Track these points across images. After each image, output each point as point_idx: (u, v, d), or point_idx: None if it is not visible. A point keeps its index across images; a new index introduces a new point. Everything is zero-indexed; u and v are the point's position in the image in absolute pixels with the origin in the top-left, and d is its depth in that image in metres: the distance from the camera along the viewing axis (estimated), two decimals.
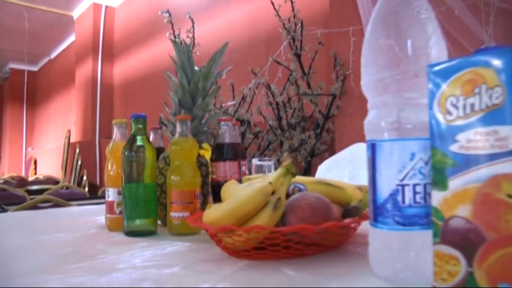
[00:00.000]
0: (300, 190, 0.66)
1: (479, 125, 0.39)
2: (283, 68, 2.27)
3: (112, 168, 0.95)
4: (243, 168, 0.94)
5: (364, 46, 0.51)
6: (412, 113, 0.46)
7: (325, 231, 0.55)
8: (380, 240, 0.48)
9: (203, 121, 0.94)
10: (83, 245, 0.76)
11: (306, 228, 0.54)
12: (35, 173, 6.07)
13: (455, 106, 0.41)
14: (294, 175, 0.61)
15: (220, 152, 0.88)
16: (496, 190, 0.38)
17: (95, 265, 0.59)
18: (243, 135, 2.31)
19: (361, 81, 0.51)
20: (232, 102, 2.40)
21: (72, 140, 4.95)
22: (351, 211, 0.60)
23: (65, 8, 5.24)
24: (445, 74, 0.42)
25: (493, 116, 0.38)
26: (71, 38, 5.70)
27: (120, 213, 0.89)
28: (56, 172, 5.19)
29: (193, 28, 2.24)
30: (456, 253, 0.41)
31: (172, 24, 2.22)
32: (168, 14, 2.20)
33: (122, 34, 4.82)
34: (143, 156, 0.85)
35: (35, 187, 3.72)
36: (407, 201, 0.46)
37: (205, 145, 0.97)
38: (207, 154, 0.95)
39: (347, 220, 0.57)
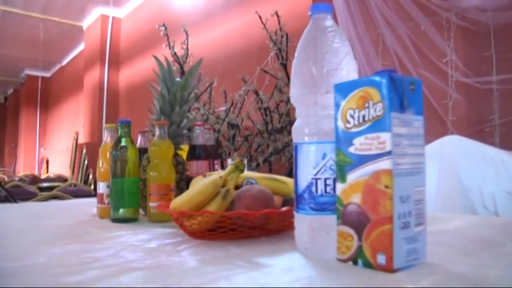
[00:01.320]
0: (251, 184, 0.75)
1: (368, 131, 0.48)
2: (271, 76, 2.35)
3: (102, 165, 1.04)
4: (216, 166, 1.03)
5: (292, 65, 0.59)
6: (325, 122, 0.54)
7: (264, 216, 0.63)
8: (300, 223, 0.57)
9: (181, 126, 1.02)
10: (75, 228, 0.85)
11: (247, 214, 0.62)
12: (47, 172, 6.17)
13: (352, 117, 0.49)
14: (241, 171, 0.69)
15: (193, 152, 0.97)
16: (377, 182, 0.47)
17: (82, 241, 0.68)
18: (233, 138, 2.40)
19: (290, 94, 0.59)
20: (224, 108, 2.48)
21: (80, 141, 5.04)
22: (288, 201, 0.68)
23: (76, 19, 5.34)
24: (345, 92, 0.50)
25: (376, 125, 0.47)
26: (81, 47, 5.80)
27: (109, 203, 0.97)
28: (66, 171, 5.28)
29: (187, 40, 2.33)
30: (351, 231, 0.49)
31: (168, 37, 2.31)
32: (164, 28, 2.29)
33: (127, 43, 4.91)
34: (126, 155, 0.93)
35: (45, 184, 3.81)
36: (319, 192, 0.54)
37: (183, 146, 1.05)
38: (185, 154, 1.04)
39: (283, 208, 0.65)
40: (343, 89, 0.50)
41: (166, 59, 1.03)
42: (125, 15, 5.04)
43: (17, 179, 4.16)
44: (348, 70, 0.55)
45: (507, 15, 1.69)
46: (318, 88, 0.55)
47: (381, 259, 0.46)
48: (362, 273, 0.46)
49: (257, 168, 2.26)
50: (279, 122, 2.33)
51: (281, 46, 2.30)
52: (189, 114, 1.02)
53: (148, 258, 0.56)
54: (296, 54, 0.59)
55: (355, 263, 0.49)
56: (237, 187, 0.72)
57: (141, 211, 0.98)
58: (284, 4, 2.55)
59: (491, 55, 1.73)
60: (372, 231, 0.47)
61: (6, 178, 4.32)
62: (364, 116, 0.48)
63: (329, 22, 0.58)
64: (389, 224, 0.45)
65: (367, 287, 0.42)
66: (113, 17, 5.04)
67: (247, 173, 0.77)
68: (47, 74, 7.42)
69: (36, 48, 6.02)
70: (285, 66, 2.31)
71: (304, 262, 0.52)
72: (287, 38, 2.28)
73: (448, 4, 1.81)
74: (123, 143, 0.95)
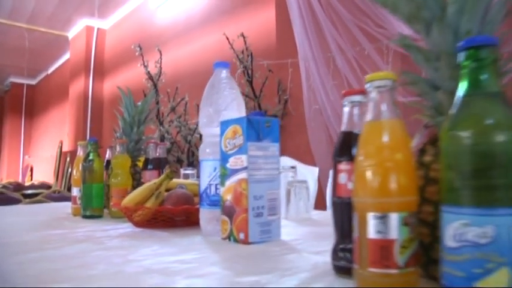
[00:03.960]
0: (182, 188, 1.04)
1: (236, 154, 0.78)
2: None
3: (76, 173, 1.34)
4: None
5: (201, 101, 0.89)
6: (216, 146, 0.84)
7: (185, 211, 0.93)
8: (202, 214, 0.87)
9: (138, 143, 1.32)
10: (53, 222, 1.14)
11: (172, 209, 0.92)
12: (31, 179, 6.42)
13: (229, 143, 0.80)
14: (171, 179, 0.99)
15: (146, 164, 1.27)
16: (239, 186, 0.76)
17: (58, 230, 0.98)
18: None
19: (199, 123, 0.90)
20: (197, 121, 2.78)
21: (65, 149, 5.31)
22: None
23: (61, 29, 5.63)
24: (225, 127, 0.81)
25: (240, 150, 0.77)
26: (66, 56, 6.08)
27: (80, 204, 1.27)
28: (50, 178, 5.54)
29: (161, 59, 2.63)
30: (227, 219, 0.79)
31: (143, 57, 2.61)
32: (139, 48, 2.59)
33: (112, 54, 5.21)
34: (93, 166, 1.23)
35: (29, 191, 4.06)
36: (212, 193, 0.84)
37: (141, 158, 1.35)
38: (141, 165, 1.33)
39: (197, 206, 0.95)
40: (224, 125, 0.81)
41: (128, 89, 1.34)
42: (110, 26, 5.34)
43: (0, 186, 4.40)
44: (233, 110, 0.86)
45: None
46: (212, 122, 0.85)
47: (242, 236, 0.76)
48: (233, 245, 0.76)
49: None
50: None
51: (247, 64, 2.61)
52: (145, 136, 1.31)
53: (100, 238, 0.86)
54: (203, 96, 0.89)
55: (229, 239, 0.78)
56: (169, 190, 1.02)
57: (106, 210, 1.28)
58: (251, 25, 2.87)
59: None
60: (237, 218, 0.77)
61: None
62: (234, 144, 0.78)
63: (224, 75, 0.89)
64: (245, 213, 0.75)
65: (234, 252, 0.72)
66: (98, 28, 5.34)
67: (180, 180, 1.08)
68: (33, 82, 7.69)
69: (22, 57, 6.29)
70: (251, 83, 2.62)
71: (202, 240, 0.82)
72: (252, 57, 2.59)
73: (387, 32, 2.13)
74: (91, 157, 1.25)
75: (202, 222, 0.87)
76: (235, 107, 0.86)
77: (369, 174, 0.40)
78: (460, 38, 0.43)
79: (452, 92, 0.37)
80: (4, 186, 4.46)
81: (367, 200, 0.40)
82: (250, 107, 2.61)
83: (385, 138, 0.41)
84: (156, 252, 0.69)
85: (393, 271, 0.39)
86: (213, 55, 3.26)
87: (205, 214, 0.85)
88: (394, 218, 0.39)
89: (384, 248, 0.39)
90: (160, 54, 2.67)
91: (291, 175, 1.10)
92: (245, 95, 2.63)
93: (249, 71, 2.62)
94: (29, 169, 6.71)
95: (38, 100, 7.55)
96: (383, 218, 0.39)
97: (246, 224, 0.74)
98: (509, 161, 0.32)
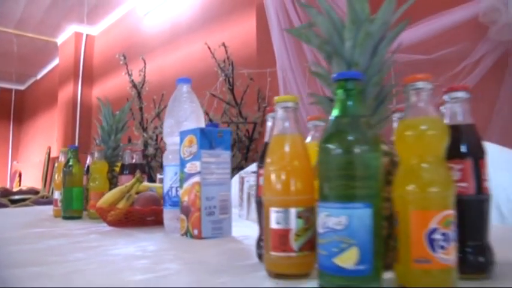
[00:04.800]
0: (152, 191, 1.14)
1: (192, 160, 0.88)
2: (220, 99, 2.77)
3: (57, 178, 1.43)
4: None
5: (166, 112, 0.99)
6: (177, 153, 0.95)
7: (152, 212, 1.03)
8: (165, 214, 0.97)
9: (116, 150, 1.42)
10: (35, 222, 1.24)
11: (140, 210, 1.02)
12: (19, 185, 6.46)
13: (187, 151, 0.90)
14: (141, 182, 1.09)
15: (122, 169, 1.36)
16: (194, 188, 0.86)
17: (38, 228, 1.07)
18: None
19: (163, 133, 1.00)
20: None
21: (54, 155, 5.38)
22: None
23: (50, 35, 5.71)
24: (183, 136, 0.91)
25: (194, 157, 0.87)
26: (55, 62, 6.16)
27: (61, 206, 1.36)
28: (38, 184, 5.59)
29: (145, 68, 2.73)
30: (184, 217, 0.89)
31: (127, 65, 2.71)
32: (123, 58, 2.69)
33: (101, 60, 5.30)
34: (72, 171, 1.33)
35: (17, 197, 4.13)
36: (173, 194, 0.95)
37: (119, 164, 1.45)
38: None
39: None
40: (183, 135, 0.91)
41: (107, 100, 1.44)
42: (99, 33, 5.43)
43: None
44: (193, 121, 0.96)
45: (402, 57, 2.14)
46: (173, 132, 0.95)
47: (196, 232, 0.86)
48: (189, 240, 0.86)
49: None
50: None
51: (228, 73, 2.72)
52: (121, 144, 1.41)
53: (75, 235, 0.95)
54: (167, 108, 0.99)
55: (186, 235, 0.89)
56: (139, 192, 1.12)
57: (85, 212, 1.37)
58: (233, 35, 2.99)
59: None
60: (192, 216, 0.87)
61: None
62: (190, 152, 0.89)
63: (185, 89, 0.99)
64: (199, 212, 0.85)
65: (187, 245, 0.82)
66: (86, 35, 5.43)
67: (150, 184, 1.18)
68: (21, 87, 7.74)
69: (10, 62, 6.35)
70: (232, 91, 2.73)
71: (163, 236, 0.92)
72: (233, 66, 2.70)
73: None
74: (70, 163, 1.34)
75: (165, 220, 0.97)
76: (194, 119, 0.97)
77: (272, 176, 0.51)
78: (352, 68, 0.54)
79: None
80: None
81: (271, 198, 0.51)
82: (232, 114, 2.71)
83: (287, 149, 0.52)
84: (120, 245, 0.79)
85: (289, 254, 0.49)
86: (198, 63, 3.36)
87: (167, 214, 0.96)
88: (290, 212, 0.49)
89: (282, 236, 0.50)
90: (144, 63, 2.77)
91: (252, 179, 1.20)
92: (226, 103, 2.74)
93: (230, 80, 2.72)
94: (17, 175, 6.75)
95: (27, 105, 7.60)
96: (281, 212, 0.50)
97: (199, 222, 0.84)
98: (362, 168, 0.42)
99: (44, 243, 0.85)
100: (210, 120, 2.75)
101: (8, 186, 6.50)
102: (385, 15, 0.55)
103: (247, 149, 2.65)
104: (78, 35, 5.43)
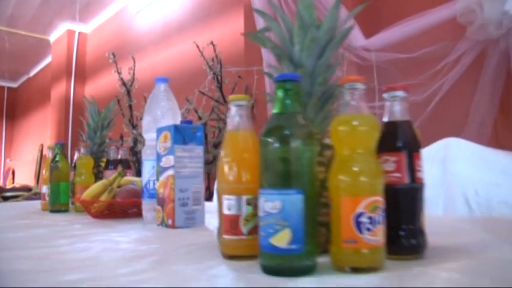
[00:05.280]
0: (133, 185, 1.20)
1: (167, 155, 0.93)
2: (209, 96, 2.82)
3: (45, 173, 1.49)
4: (128, 174, 1.47)
5: (144, 110, 1.05)
6: (154, 148, 1.00)
7: (132, 204, 1.09)
8: (144, 205, 1.02)
9: (101, 146, 1.47)
10: (23, 215, 1.29)
11: (121, 202, 1.08)
12: (13, 182, 6.49)
13: (162, 146, 0.95)
14: (122, 176, 1.15)
15: (107, 164, 1.42)
16: (169, 181, 0.91)
17: (25, 220, 1.12)
18: None
19: (142, 129, 1.05)
20: None
21: (46, 152, 5.40)
22: None
23: (43, 32, 5.74)
24: (160, 132, 0.96)
25: (169, 152, 0.93)
26: (48, 59, 6.18)
27: (48, 200, 1.41)
28: (32, 181, 5.63)
29: (134, 66, 2.78)
30: (160, 208, 0.95)
31: (116, 63, 2.76)
32: (112, 56, 2.74)
33: (93, 57, 5.33)
34: (58, 166, 1.38)
35: (9, 193, 4.17)
36: (151, 187, 1.00)
37: (105, 159, 1.50)
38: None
39: None
40: (159, 131, 0.97)
41: (93, 99, 1.49)
42: (91, 30, 5.46)
43: None
44: (169, 118, 1.02)
45: (385, 55, 2.21)
46: (151, 129, 1.01)
47: (170, 221, 0.91)
48: (164, 229, 0.91)
49: None
50: (217, 137, 2.79)
51: (216, 71, 2.77)
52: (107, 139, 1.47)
53: (59, 225, 1.01)
54: (146, 106, 1.05)
55: (162, 225, 0.94)
56: (121, 186, 1.17)
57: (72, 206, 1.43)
58: (222, 34, 3.04)
59: (374, 86, 2.23)
60: (166, 207, 0.93)
61: None
62: (165, 146, 0.94)
63: (163, 88, 1.05)
64: (172, 203, 0.91)
65: (161, 233, 0.88)
66: (79, 32, 5.46)
67: (132, 178, 1.23)
68: (14, 85, 7.75)
69: (2, 59, 6.37)
70: (220, 88, 2.78)
71: (141, 226, 0.98)
72: (221, 64, 2.75)
73: (344, 43, 2.31)
74: (57, 158, 1.40)
75: (143, 212, 1.03)
76: (170, 116, 1.02)
77: (225, 168, 0.57)
78: (298, 69, 0.60)
79: None
80: None
81: (223, 186, 0.56)
82: (220, 111, 2.76)
83: (238, 143, 0.57)
84: (100, 233, 0.85)
85: (240, 237, 0.55)
86: (188, 61, 3.41)
87: (146, 205, 1.01)
88: (239, 199, 0.55)
89: (232, 220, 0.55)
90: (134, 61, 2.82)
91: None
92: (215, 100, 2.79)
93: (219, 77, 2.78)
94: (11, 172, 6.77)
95: (20, 103, 7.62)
96: (232, 199, 0.55)
97: (173, 212, 0.90)
98: (294, 159, 0.48)
99: (28, 232, 0.91)
100: (200, 117, 2.80)
101: (1, 183, 6.53)
102: (330, 21, 0.61)
103: None
104: (70, 33, 5.45)
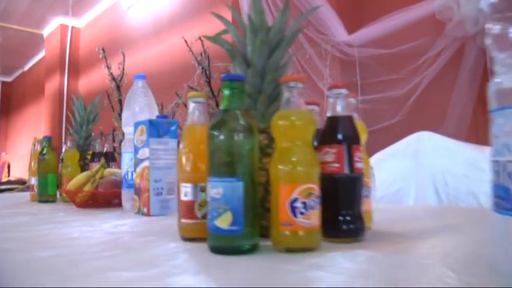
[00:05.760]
0: (116, 176, 1.26)
1: (142, 147, 1.00)
2: (198, 91, 2.87)
3: (34, 165, 1.55)
4: (113, 166, 1.54)
5: (124, 105, 1.11)
6: (132, 141, 1.06)
7: (113, 194, 1.15)
8: (123, 195, 1.09)
9: (88, 139, 1.53)
10: (12, 205, 1.36)
11: (103, 192, 1.14)
12: (8, 176, 6.54)
13: (139, 139, 1.01)
14: (105, 168, 1.21)
15: (93, 157, 1.48)
16: (144, 172, 0.98)
17: (13, 209, 1.19)
18: None
19: (122, 123, 1.11)
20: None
21: (36, 145, 5.45)
22: None
23: (36, 27, 5.76)
24: (137, 126, 1.02)
25: (144, 144, 0.99)
26: (42, 53, 6.20)
27: (37, 191, 1.48)
28: (27, 174, 5.68)
29: (124, 61, 2.82)
30: (137, 197, 1.01)
31: (106, 59, 2.80)
32: (102, 51, 2.78)
33: (86, 52, 5.36)
34: (46, 159, 1.44)
35: (3, 186, 4.22)
36: (129, 178, 1.06)
37: (91, 152, 1.56)
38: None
39: None
40: (136, 125, 1.03)
41: (79, 94, 1.54)
42: (84, 25, 5.49)
43: None
44: (146, 113, 1.08)
45: (367, 51, 2.27)
46: (129, 123, 1.07)
47: (145, 210, 0.98)
48: (140, 217, 0.97)
49: None
50: None
51: (205, 65, 2.82)
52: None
53: (44, 213, 1.07)
54: (125, 101, 1.11)
55: (138, 212, 1.00)
56: (103, 177, 1.23)
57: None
58: (211, 29, 3.08)
59: (357, 80, 2.29)
60: (142, 196, 0.99)
61: None
62: (141, 140, 1.00)
63: (141, 84, 1.10)
64: (147, 193, 0.97)
65: (137, 221, 0.94)
66: (72, 27, 5.49)
67: (115, 170, 1.29)
68: (8, 79, 7.78)
69: None
70: (209, 83, 2.83)
71: (119, 214, 1.04)
72: (209, 60, 2.80)
73: (327, 38, 2.37)
74: (44, 151, 1.46)
75: (123, 201, 1.09)
76: (148, 111, 1.08)
77: (183, 158, 0.63)
78: (249, 68, 0.66)
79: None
80: None
81: (181, 175, 0.63)
82: (209, 106, 2.82)
83: (194, 136, 0.63)
84: (80, 220, 0.91)
85: (195, 221, 0.61)
86: (178, 56, 3.46)
87: (125, 195, 1.08)
88: (195, 187, 0.61)
89: (188, 206, 0.61)
90: (124, 57, 2.86)
91: None
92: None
93: (207, 72, 2.83)
94: (6, 166, 6.82)
95: (15, 97, 7.65)
96: (188, 187, 0.61)
97: (148, 201, 0.96)
98: (235, 151, 0.54)
99: (15, 220, 0.97)
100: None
101: None
102: (280, 24, 0.66)
103: None
104: (63, 27, 5.47)
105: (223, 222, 0.53)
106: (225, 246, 0.53)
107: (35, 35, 5.89)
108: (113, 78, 2.87)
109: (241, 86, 0.57)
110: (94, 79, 4.97)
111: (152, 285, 0.41)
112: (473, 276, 0.41)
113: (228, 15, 2.66)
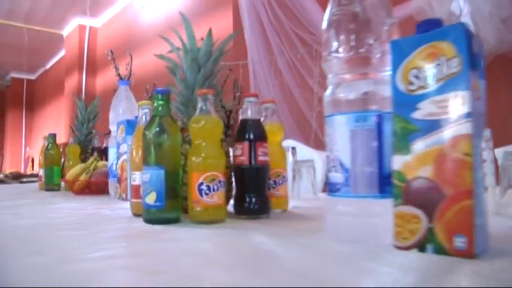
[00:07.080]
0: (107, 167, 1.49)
1: (122, 143, 1.22)
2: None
3: (41, 159, 1.80)
4: None
5: (111, 107, 1.33)
6: (115, 138, 1.29)
7: (102, 183, 1.38)
8: (109, 184, 1.31)
9: (88, 136, 1.77)
10: (21, 192, 1.61)
11: (96, 181, 1.37)
12: (32, 169, 6.96)
13: (120, 137, 1.24)
14: (98, 161, 1.44)
15: (92, 151, 1.72)
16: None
17: (21, 195, 1.43)
18: None
19: (109, 122, 1.34)
20: None
21: (62, 141, 5.81)
22: None
23: (56, 27, 6.12)
24: (118, 125, 1.25)
25: (123, 141, 1.21)
26: (62, 52, 6.57)
27: (44, 181, 1.73)
28: None
29: (131, 62, 3.08)
30: (118, 185, 1.24)
31: (114, 60, 3.06)
32: (111, 53, 3.04)
33: (103, 51, 5.67)
34: (51, 153, 1.69)
35: (25, 179, 4.56)
36: (114, 169, 1.29)
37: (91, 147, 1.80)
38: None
39: None
40: (118, 125, 1.25)
41: (81, 98, 1.79)
42: (101, 24, 5.80)
43: (1, 175, 4.92)
44: (128, 114, 1.30)
45: None
46: (114, 122, 1.29)
47: (124, 195, 1.20)
48: (119, 201, 1.20)
49: None
50: None
51: None
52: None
53: (44, 198, 1.31)
54: (111, 103, 1.33)
55: (120, 198, 1.23)
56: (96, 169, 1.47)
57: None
58: (217, 28, 3.29)
59: None
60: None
61: None
62: (122, 137, 1.23)
63: (123, 89, 1.33)
64: (126, 181, 1.20)
65: (118, 206, 1.17)
66: (90, 27, 5.81)
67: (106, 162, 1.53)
68: (32, 77, 8.22)
69: (21, 53, 6.80)
70: None
71: (106, 200, 1.26)
72: None
73: (317, 38, 2.55)
74: (49, 147, 1.71)
75: (109, 189, 1.32)
76: (129, 112, 1.31)
77: (133, 152, 0.85)
78: (183, 81, 0.87)
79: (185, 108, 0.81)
80: (6, 176, 5.01)
81: (131, 165, 0.85)
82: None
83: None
84: (72, 203, 1.14)
85: (139, 200, 0.83)
86: None
87: (111, 184, 1.31)
88: (140, 174, 0.83)
89: (136, 189, 0.83)
90: (131, 58, 3.12)
91: None
92: None
93: None
94: (30, 160, 7.24)
95: (38, 94, 8.08)
96: (136, 174, 0.83)
97: (126, 188, 1.19)
98: (158, 146, 0.75)
99: (18, 202, 1.21)
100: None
101: (22, 171, 7.01)
102: (207, 46, 0.87)
103: (225, 134, 2.99)
104: (81, 27, 5.81)
105: (150, 199, 0.74)
106: (152, 217, 0.75)
107: (55, 35, 6.26)
108: (121, 79, 3.13)
109: (167, 98, 0.78)
110: (110, 77, 5.26)
111: (87, 240, 0.63)
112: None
113: (229, 15, 2.88)
